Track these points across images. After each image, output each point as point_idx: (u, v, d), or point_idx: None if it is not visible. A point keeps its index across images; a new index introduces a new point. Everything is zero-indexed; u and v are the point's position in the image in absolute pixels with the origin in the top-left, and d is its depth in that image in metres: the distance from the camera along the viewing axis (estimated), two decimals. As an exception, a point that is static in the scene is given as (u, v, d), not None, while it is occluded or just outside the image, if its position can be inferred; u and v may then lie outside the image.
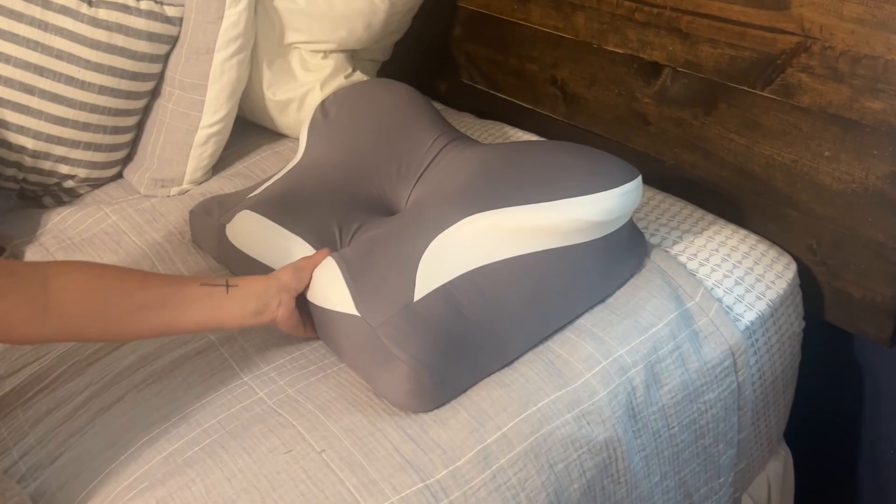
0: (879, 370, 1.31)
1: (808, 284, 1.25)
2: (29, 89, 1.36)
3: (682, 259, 1.19)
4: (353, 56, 1.59)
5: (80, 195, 1.49)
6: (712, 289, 1.16)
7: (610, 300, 1.11)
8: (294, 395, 1.02)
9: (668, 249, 1.21)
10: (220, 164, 1.51)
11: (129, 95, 1.43)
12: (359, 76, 1.55)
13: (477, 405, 0.98)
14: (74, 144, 1.42)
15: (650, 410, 1.06)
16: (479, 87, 1.67)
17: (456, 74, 1.72)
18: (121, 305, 0.91)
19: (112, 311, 0.91)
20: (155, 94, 1.49)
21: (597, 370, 1.03)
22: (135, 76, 1.42)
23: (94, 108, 1.40)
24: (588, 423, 0.99)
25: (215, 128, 1.45)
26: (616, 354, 1.04)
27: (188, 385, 1.05)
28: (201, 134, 1.45)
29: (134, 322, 0.93)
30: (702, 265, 1.19)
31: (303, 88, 1.51)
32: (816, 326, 1.28)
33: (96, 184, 1.50)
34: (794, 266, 1.22)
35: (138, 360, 1.10)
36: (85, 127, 1.41)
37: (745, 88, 1.21)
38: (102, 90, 1.40)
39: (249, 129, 1.60)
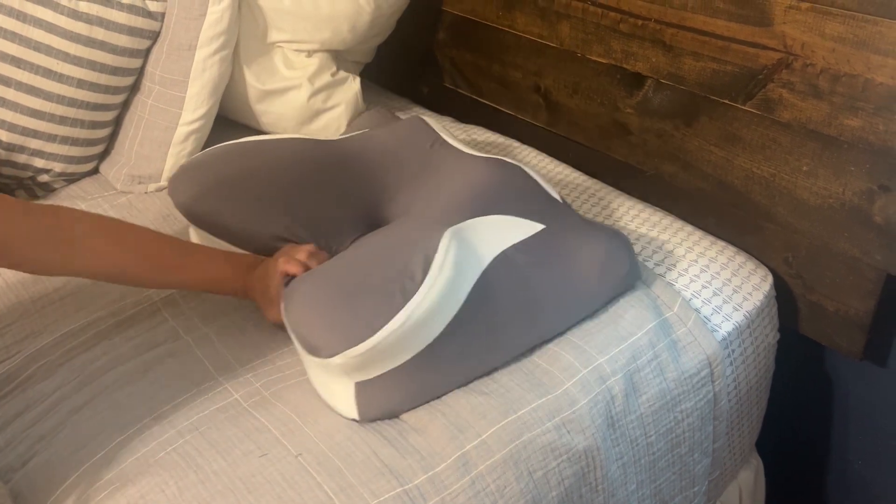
0: (850, 383, 1.33)
1: (783, 297, 1.26)
2: (5, 81, 1.34)
3: (661, 269, 1.20)
4: (337, 57, 1.58)
5: (54, 189, 1.46)
6: (690, 299, 1.17)
7: (590, 309, 1.12)
8: (269, 397, 1.01)
9: (646, 260, 1.22)
10: (198, 161, 1.49)
11: (107, 90, 1.41)
12: (343, 74, 1.54)
13: (456, 412, 0.98)
14: (50, 138, 1.40)
15: (628, 419, 1.06)
16: (461, 91, 1.68)
17: (439, 78, 1.72)
18: (139, 269, 1.01)
19: (129, 273, 1.01)
20: (134, 89, 1.47)
21: (577, 379, 1.03)
22: (114, 71, 1.40)
23: (71, 102, 1.38)
24: (568, 432, 1.00)
25: (195, 125, 1.44)
26: (596, 363, 1.05)
27: (161, 386, 1.03)
28: (181, 131, 1.43)
29: (146, 283, 1.05)
30: (680, 276, 1.20)
31: (288, 82, 1.50)
32: (790, 338, 1.29)
33: (72, 178, 1.47)
34: (770, 279, 1.23)
35: (110, 361, 1.08)
36: (62, 121, 1.39)
37: (727, 102, 1.23)
38: (81, 84, 1.38)
39: (230, 127, 1.58)
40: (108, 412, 1.01)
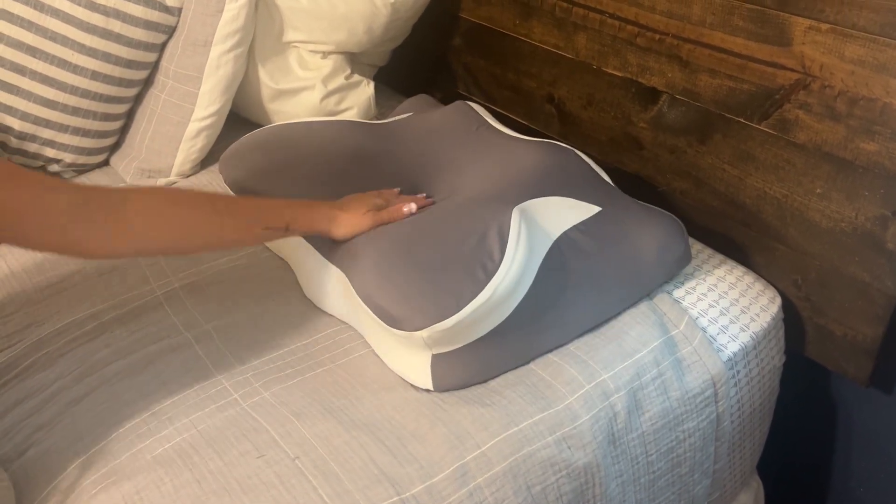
0: (855, 409, 1.32)
1: (791, 319, 1.25)
2: (19, 69, 1.34)
3: (669, 286, 1.19)
4: (352, 59, 1.58)
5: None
6: (697, 318, 1.16)
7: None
8: (269, 398, 1.00)
9: (655, 276, 1.21)
10: (209, 158, 1.49)
11: (121, 83, 1.41)
12: (357, 77, 1.54)
13: (457, 422, 0.97)
14: (62, 128, 1.40)
15: (630, 437, 1.05)
16: (475, 99, 1.67)
17: (453, 84, 1.71)
18: (191, 239, 0.97)
19: (181, 244, 0.98)
20: (148, 83, 1.47)
21: (580, 394, 1.02)
22: (129, 64, 1.40)
23: (84, 93, 1.38)
24: (569, 447, 0.99)
25: (207, 121, 1.43)
26: (599, 379, 1.04)
27: (161, 382, 1.03)
28: (193, 127, 1.43)
29: (200, 249, 1.04)
30: (688, 293, 1.19)
31: (301, 83, 1.50)
32: (796, 360, 1.28)
33: (82, 169, 1.47)
34: (778, 300, 1.22)
35: (111, 353, 1.08)
36: (74, 111, 1.39)
37: (742, 120, 1.22)
38: (95, 76, 1.37)
39: (243, 124, 1.58)
40: (107, 405, 1.00)
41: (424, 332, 0.99)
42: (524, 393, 1.01)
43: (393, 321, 1.01)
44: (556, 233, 1.09)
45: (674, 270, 1.18)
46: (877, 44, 1.04)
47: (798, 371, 1.31)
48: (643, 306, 1.14)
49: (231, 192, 1.30)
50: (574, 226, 1.12)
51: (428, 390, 1.03)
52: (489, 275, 0.99)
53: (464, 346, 1.02)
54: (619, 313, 1.13)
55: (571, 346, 1.08)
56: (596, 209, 1.15)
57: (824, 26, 1.08)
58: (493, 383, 1.04)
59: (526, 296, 1.03)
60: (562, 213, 1.13)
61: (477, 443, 0.95)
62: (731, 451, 1.23)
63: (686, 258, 1.18)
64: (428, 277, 1.02)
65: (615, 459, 1.04)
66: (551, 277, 1.06)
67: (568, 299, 1.08)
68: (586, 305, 1.10)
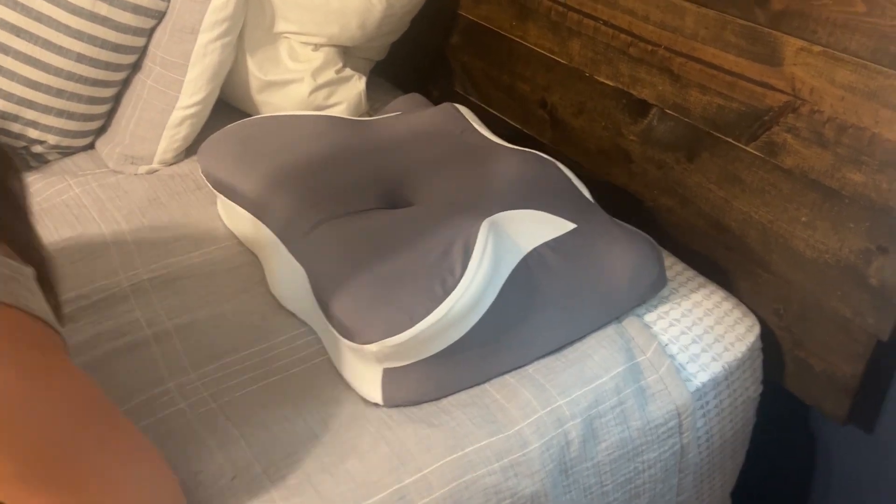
0: (835, 445, 1.27)
1: (770, 348, 1.21)
2: (3, 49, 1.33)
3: (641, 309, 1.15)
4: (346, 53, 1.55)
5: (48, 161, 1.46)
6: (667, 345, 1.12)
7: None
8: (216, 409, 0.98)
9: (627, 297, 1.17)
10: (193, 146, 1.48)
11: (108, 66, 1.39)
12: (349, 72, 1.51)
13: (402, 442, 0.95)
14: (46, 110, 1.39)
15: (583, 466, 1.02)
16: (471, 98, 1.63)
17: (450, 83, 1.68)
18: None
19: None
20: (136, 68, 1.45)
21: (532, 420, 0.99)
22: (116, 48, 1.38)
23: (69, 76, 1.37)
24: (515, 475, 0.96)
25: (192, 110, 1.41)
26: (555, 405, 1.01)
27: (113, 384, 1.02)
28: (177, 115, 1.41)
29: None
30: (660, 318, 1.15)
31: (290, 75, 1.47)
32: (775, 391, 1.24)
33: (66, 152, 1.47)
34: (757, 329, 1.18)
35: (71, 348, 1.07)
36: (59, 93, 1.38)
37: (730, 140, 1.17)
38: (81, 58, 1.36)
39: (232, 113, 1.56)
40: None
41: (374, 347, 0.96)
42: (474, 415, 0.98)
43: (345, 332, 0.99)
44: (526, 248, 1.06)
45: (646, 295, 1.14)
46: (868, 70, 0.99)
47: (778, 401, 1.26)
48: (610, 330, 1.10)
49: (208, 183, 1.29)
50: (545, 242, 1.08)
51: (378, 405, 1.01)
52: (447, 291, 0.97)
53: (417, 361, 0.99)
54: (584, 336, 1.09)
55: (530, 369, 1.04)
56: (571, 226, 1.11)
57: (816, 48, 1.03)
58: (444, 402, 1.01)
59: (487, 313, 1.00)
60: (534, 228, 1.09)
61: (418, 465, 0.92)
62: (699, 482, 1.19)
63: (660, 283, 1.14)
64: (384, 289, 0.99)
65: (566, 489, 1.01)
66: (516, 295, 1.03)
67: (532, 319, 1.04)
68: (551, 327, 1.06)
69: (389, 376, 1.00)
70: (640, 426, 1.06)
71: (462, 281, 0.97)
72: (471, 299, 0.97)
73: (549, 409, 1.00)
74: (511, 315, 1.02)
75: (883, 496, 1.22)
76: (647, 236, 1.15)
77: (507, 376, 1.03)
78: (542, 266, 1.06)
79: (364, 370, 1.02)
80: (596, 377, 1.04)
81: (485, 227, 1.02)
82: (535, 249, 1.06)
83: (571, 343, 1.08)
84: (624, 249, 1.11)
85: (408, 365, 0.99)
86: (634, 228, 1.16)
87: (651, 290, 1.13)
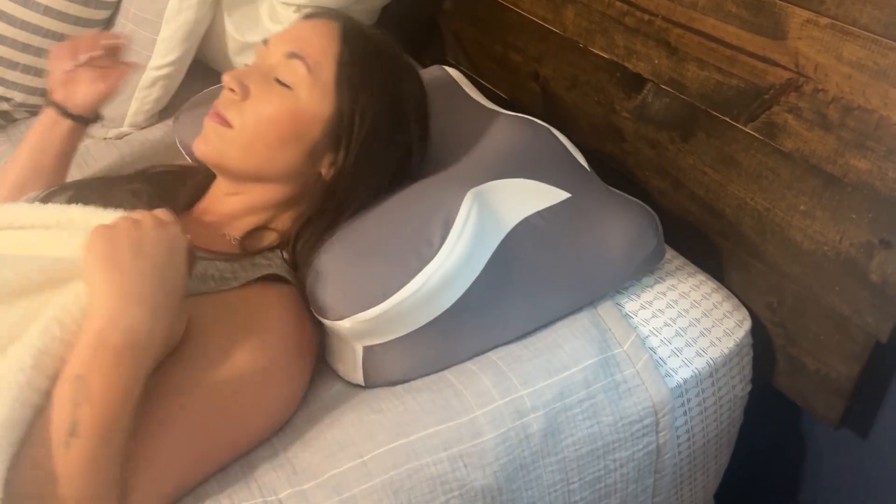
0: (825, 447, 1.19)
1: (762, 344, 1.12)
2: (-34, -1, 1.27)
3: (622, 298, 1.07)
4: (332, 15, 1.47)
5: (15, 120, 1.40)
6: (647, 337, 1.04)
7: (527, 333, 1.00)
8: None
9: (608, 284, 1.09)
10: (167, 110, 1.41)
11: (77, 21, 1.33)
12: (332, 38, 1.43)
13: (345, 428, 0.89)
14: (11, 65, 1.32)
15: (547, 461, 0.95)
16: (462, 68, 1.55)
17: (442, 52, 1.60)
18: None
19: None
20: (109, 24, 1.39)
21: (488, 409, 0.92)
22: (86, 2, 1.32)
23: (36, 30, 1.30)
24: (465, 466, 0.89)
25: (164, 71, 1.35)
26: (515, 395, 0.94)
27: None
28: (148, 75, 1.35)
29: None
30: (642, 308, 1.07)
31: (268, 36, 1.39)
32: (765, 388, 1.16)
33: (34, 111, 1.40)
34: (747, 324, 1.09)
35: None
36: (24, 48, 1.32)
37: (728, 120, 1.08)
38: (47, 11, 1.30)
39: (210, 75, 1.48)
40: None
41: (346, 322, 0.90)
42: (425, 400, 0.92)
43: (318, 309, 0.93)
44: (516, 219, 0.98)
45: (642, 268, 1.07)
46: (878, 46, 0.90)
47: (768, 400, 1.18)
48: (586, 320, 1.02)
49: (186, 157, 1.22)
50: (537, 212, 1.00)
51: (359, 385, 0.96)
52: (423, 262, 0.90)
53: (398, 338, 0.93)
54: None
55: (493, 355, 0.97)
56: (564, 195, 1.04)
57: (823, 20, 0.94)
58: (397, 387, 0.94)
59: (475, 285, 0.93)
60: (525, 198, 1.02)
61: (359, 451, 0.87)
62: (679, 483, 1.11)
63: (658, 255, 1.07)
64: (358, 264, 0.93)
65: (526, 484, 0.94)
66: (505, 268, 0.96)
67: (522, 293, 0.98)
68: (543, 301, 1.00)
69: (369, 354, 0.94)
70: (612, 422, 0.98)
71: (440, 252, 0.90)
72: (449, 271, 0.90)
73: (507, 399, 0.93)
74: (501, 287, 0.96)
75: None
76: (645, 206, 1.07)
77: (468, 362, 0.96)
78: (533, 236, 0.99)
79: (344, 350, 0.96)
80: (564, 368, 0.97)
81: (469, 196, 0.95)
82: (525, 219, 0.99)
83: (543, 330, 1.01)
84: (620, 219, 1.04)
85: (388, 342, 0.93)
86: (631, 197, 1.08)
87: (647, 264, 1.06)
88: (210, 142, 0.96)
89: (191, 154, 1.21)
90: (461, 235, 0.91)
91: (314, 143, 0.97)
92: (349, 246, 0.95)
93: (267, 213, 1.01)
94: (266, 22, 1.40)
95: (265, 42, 1.00)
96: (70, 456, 0.69)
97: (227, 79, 0.96)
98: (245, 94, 0.95)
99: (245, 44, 1.39)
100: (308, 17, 1.04)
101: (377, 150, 0.98)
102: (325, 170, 0.98)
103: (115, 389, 0.72)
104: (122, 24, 1.36)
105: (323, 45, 0.97)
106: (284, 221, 1.00)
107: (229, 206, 1.01)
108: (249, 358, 0.83)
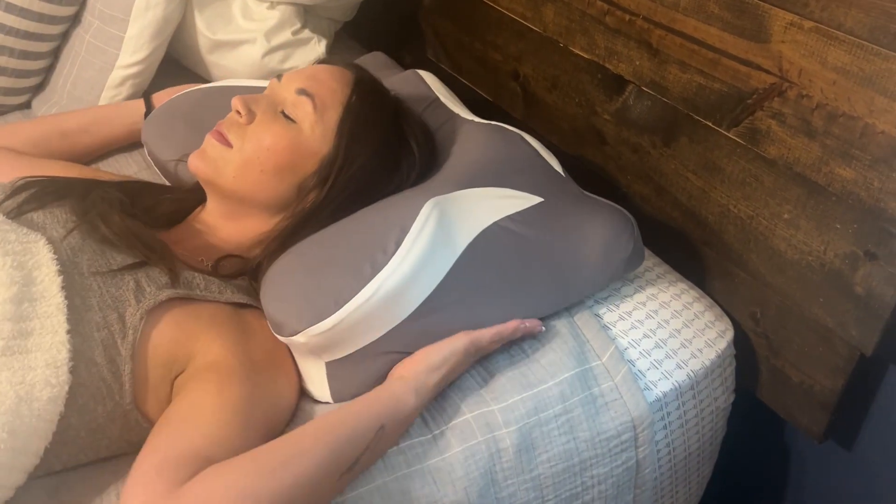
0: (810, 460, 1.17)
1: (745, 355, 1.10)
2: (-75, -5, 1.23)
3: (601, 309, 1.04)
4: (308, 12, 1.43)
5: (-21, 119, 1.36)
6: (626, 349, 1.01)
7: (502, 346, 0.97)
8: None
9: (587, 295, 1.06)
10: (138, 109, 1.36)
11: (41, 18, 1.28)
12: (307, 34, 1.39)
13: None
14: (-27, 63, 1.28)
15: (520, 479, 0.92)
16: (442, 66, 1.51)
17: (422, 48, 1.56)
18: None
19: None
20: (76, 21, 1.34)
21: (457, 422, 0.89)
22: (51, -2, 1.27)
23: (-2, 27, 1.26)
24: (434, 482, 0.86)
25: (133, 69, 1.30)
26: (485, 409, 0.91)
27: None
28: (117, 74, 1.30)
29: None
30: (621, 318, 1.04)
31: (242, 34, 1.35)
32: (748, 400, 1.13)
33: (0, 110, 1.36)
34: (730, 335, 1.06)
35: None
36: (-13, 45, 1.27)
37: (710, 125, 1.05)
38: (10, 8, 1.25)
39: (183, 74, 1.44)
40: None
41: (301, 337, 0.87)
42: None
43: (275, 325, 0.90)
44: (484, 223, 0.95)
45: (622, 271, 1.03)
46: (863, 51, 0.86)
47: (752, 411, 1.15)
48: (564, 331, 0.99)
49: (155, 169, 1.19)
50: (508, 216, 0.97)
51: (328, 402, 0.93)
52: (377, 269, 0.87)
53: (358, 350, 0.90)
54: (551, 319, 0.99)
55: (468, 370, 0.94)
56: (537, 200, 1.00)
57: (808, 24, 0.91)
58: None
59: (437, 290, 0.90)
60: (494, 203, 0.98)
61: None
62: (660, 497, 1.08)
63: (637, 258, 1.03)
64: (310, 276, 0.90)
65: (498, 501, 0.91)
66: (474, 271, 0.93)
67: (495, 295, 0.95)
68: (518, 303, 0.96)
69: (333, 370, 0.91)
70: (589, 437, 0.95)
71: (394, 258, 0.87)
72: (404, 277, 0.87)
73: (476, 413, 0.90)
74: (467, 291, 0.92)
75: (862, 518, 1.12)
76: (621, 208, 1.03)
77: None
78: (504, 240, 0.95)
79: (309, 369, 0.93)
80: (539, 382, 0.94)
81: (429, 204, 0.92)
82: (495, 223, 0.96)
83: (519, 345, 0.98)
84: (595, 222, 1.00)
85: (350, 355, 0.90)
86: (607, 201, 1.05)
87: (627, 266, 1.02)
88: (207, 158, 0.98)
89: (152, 152, 1.17)
90: (417, 240, 0.88)
91: (306, 177, 0.99)
92: (303, 260, 0.93)
93: (244, 245, 1.01)
94: (239, 19, 1.36)
95: (279, 77, 1.03)
96: (335, 487, 0.80)
97: (236, 101, 0.99)
98: (250, 118, 0.98)
99: (216, 42, 1.35)
100: (325, 61, 1.08)
101: (359, 193, 1.00)
102: (307, 205, 0.99)
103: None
104: (89, 21, 1.31)
105: (333, 89, 1.00)
106: (258, 252, 0.98)
107: (210, 232, 1.02)
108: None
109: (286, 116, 0.98)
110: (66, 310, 0.82)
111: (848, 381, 1.00)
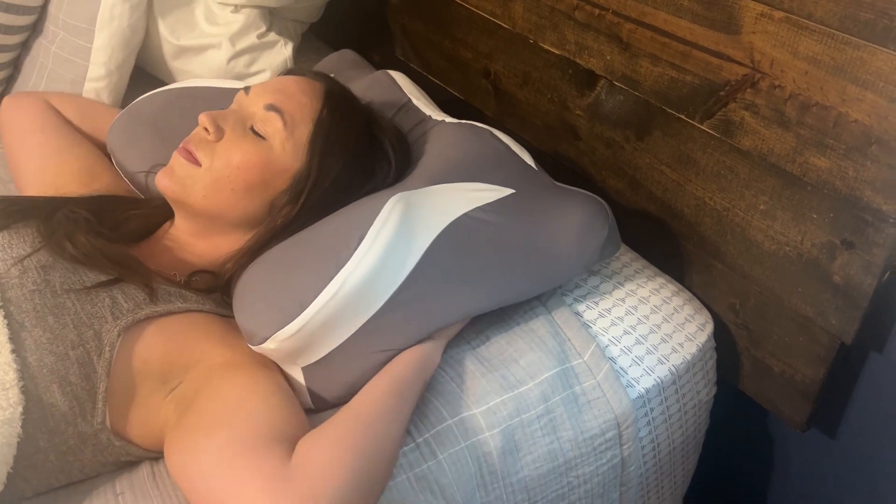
0: (793, 449, 1.17)
1: (725, 347, 1.10)
2: None
3: (581, 306, 1.04)
4: (273, 14, 1.41)
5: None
6: (607, 346, 1.00)
7: (481, 347, 0.96)
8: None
9: (565, 293, 1.05)
10: (108, 120, 1.34)
11: (-1, 29, 1.25)
12: (273, 37, 1.37)
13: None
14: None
15: (506, 482, 0.91)
16: (411, 65, 1.50)
17: (391, 47, 1.54)
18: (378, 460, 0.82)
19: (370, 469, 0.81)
20: (36, 31, 1.31)
21: (440, 428, 0.88)
22: (7, 7, 1.24)
23: (-48, 38, 1.23)
24: (421, 490, 0.85)
25: (105, 81, 1.28)
26: (467, 413, 0.90)
27: None
28: (89, 87, 1.28)
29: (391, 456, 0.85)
30: (601, 316, 1.03)
31: (206, 39, 1.33)
32: (731, 390, 1.13)
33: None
34: (710, 327, 1.06)
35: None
36: (-55, 58, 1.24)
37: (683, 118, 1.04)
38: (-34, 19, 1.22)
39: (150, 81, 1.42)
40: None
41: (271, 344, 0.86)
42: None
43: (248, 335, 0.88)
44: (454, 214, 0.94)
45: (595, 257, 1.00)
46: (835, 41, 0.86)
47: (733, 402, 1.15)
48: (543, 330, 0.98)
49: (126, 179, 1.17)
50: (478, 207, 0.96)
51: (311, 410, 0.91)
52: (340, 265, 0.85)
53: (332, 351, 0.88)
54: (530, 320, 0.98)
55: (447, 373, 0.93)
56: (508, 191, 0.99)
57: (778, 14, 0.90)
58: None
59: (408, 284, 0.88)
60: (463, 196, 0.97)
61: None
62: (646, 493, 1.08)
63: (612, 245, 1.01)
64: (274, 281, 0.89)
65: (487, 507, 0.90)
66: (445, 262, 0.91)
67: (470, 286, 0.93)
68: (487, 292, 0.95)
69: (311, 375, 0.90)
70: (573, 437, 0.95)
71: (357, 252, 0.86)
72: (369, 269, 0.85)
73: (458, 417, 0.89)
74: (440, 281, 0.91)
75: (846, 504, 1.12)
76: (593, 195, 1.02)
77: (420, 384, 0.92)
78: (475, 231, 0.94)
79: (289, 378, 0.92)
80: (519, 383, 0.93)
81: (393, 198, 0.91)
82: (465, 214, 0.94)
83: (497, 346, 0.97)
84: (568, 209, 0.98)
85: (324, 357, 0.89)
86: (582, 190, 1.04)
87: (603, 251, 1.00)
88: (175, 177, 0.96)
89: (119, 162, 1.15)
90: (380, 232, 0.87)
91: (278, 193, 0.97)
92: (269, 267, 0.92)
93: (217, 261, 0.99)
94: (203, 24, 1.33)
95: (246, 90, 1.00)
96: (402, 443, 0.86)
97: (203, 118, 0.96)
98: (219, 135, 0.96)
99: (181, 48, 1.33)
100: (293, 72, 1.05)
101: (334, 204, 0.98)
102: (279, 220, 0.98)
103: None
104: (53, 32, 1.28)
105: (303, 103, 0.98)
106: (227, 268, 0.97)
107: (181, 249, 1.00)
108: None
109: (255, 133, 0.96)
110: (6, 329, 0.80)
111: (829, 370, 1.00)
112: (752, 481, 1.24)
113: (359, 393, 0.86)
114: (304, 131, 0.97)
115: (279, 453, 0.74)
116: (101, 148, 1.20)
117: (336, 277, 0.84)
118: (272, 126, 0.96)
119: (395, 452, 0.83)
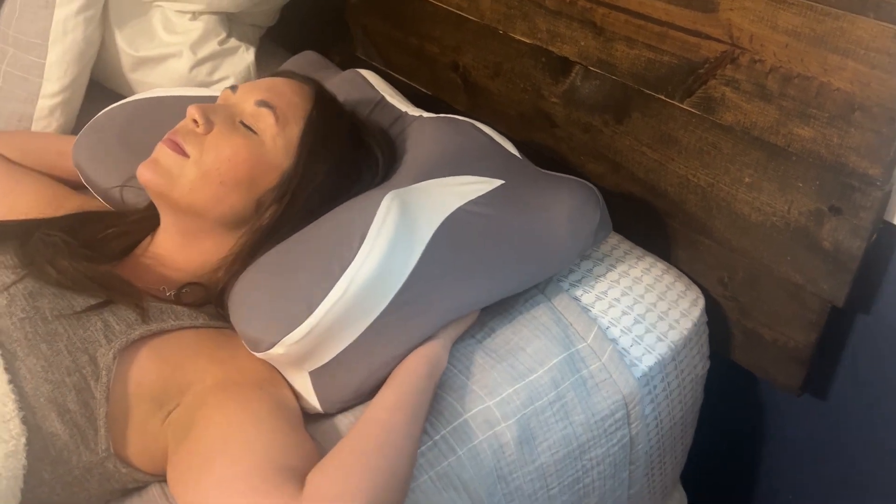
0: (787, 416, 1.20)
1: (716, 320, 1.11)
2: None
3: (577, 291, 1.04)
4: (231, 19, 1.38)
5: None
6: (608, 328, 1.01)
7: (487, 340, 0.96)
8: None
9: (561, 279, 1.05)
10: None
11: (-54, 49, 1.20)
12: (234, 43, 1.34)
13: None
14: None
15: (525, 470, 0.91)
16: (374, 64, 1.49)
17: (350, 49, 1.53)
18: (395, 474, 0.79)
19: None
20: (-16, 49, 1.26)
21: (456, 424, 0.88)
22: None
23: None
24: (443, 488, 0.84)
25: (60, 97, 1.23)
26: (481, 406, 0.89)
27: None
28: (43, 104, 1.23)
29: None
30: (598, 299, 1.04)
31: (166, 49, 1.29)
32: (722, 363, 1.15)
33: None
34: (701, 302, 1.08)
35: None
36: None
37: (663, 98, 1.06)
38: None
39: (108, 98, 1.37)
40: None
41: (279, 349, 0.84)
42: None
43: (252, 343, 0.86)
44: (448, 210, 0.94)
45: (588, 242, 1.01)
46: (814, 12, 0.88)
47: (725, 374, 1.18)
48: (545, 317, 0.99)
49: (93, 193, 1.13)
50: (471, 200, 0.96)
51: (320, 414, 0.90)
52: (344, 266, 0.84)
53: (340, 353, 0.87)
54: (532, 309, 0.99)
55: (455, 368, 0.92)
56: (498, 182, 1.00)
57: (754, -10, 0.92)
58: (356, 411, 0.89)
59: (410, 282, 0.88)
60: (456, 190, 0.97)
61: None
62: (650, 470, 1.09)
63: (604, 229, 1.03)
64: (276, 285, 0.87)
65: (508, 497, 0.90)
66: (444, 258, 0.91)
67: (470, 278, 0.93)
68: (488, 284, 0.95)
69: (317, 379, 0.88)
70: (584, 420, 0.95)
71: (360, 251, 0.85)
72: (374, 268, 0.85)
73: (473, 411, 0.89)
74: (441, 277, 0.90)
75: (835, 465, 1.16)
76: (582, 180, 1.03)
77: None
78: (471, 224, 0.94)
79: (294, 381, 0.90)
80: (529, 371, 0.93)
81: (388, 197, 0.90)
82: (459, 208, 0.94)
83: (503, 336, 0.97)
84: (559, 195, 1.00)
85: (332, 360, 0.87)
86: (571, 177, 1.04)
87: (596, 236, 1.01)
88: (159, 168, 0.92)
89: (89, 179, 1.11)
90: (381, 230, 0.86)
91: (265, 191, 0.95)
92: (267, 272, 0.90)
93: (204, 271, 0.96)
94: (161, 34, 1.30)
95: (233, 89, 0.99)
96: (417, 453, 0.83)
97: (192, 110, 0.93)
98: (208, 127, 0.93)
99: (140, 59, 1.29)
100: (281, 74, 1.03)
101: (319, 207, 0.97)
102: (266, 221, 0.96)
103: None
104: (3, 50, 1.23)
105: (294, 102, 0.97)
106: (218, 277, 0.94)
107: (166, 262, 0.97)
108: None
109: (246, 127, 0.94)
110: (1, 360, 0.77)
111: (821, 335, 1.03)
112: (747, 448, 1.27)
113: (365, 412, 0.83)
114: (295, 130, 0.96)
115: (288, 490, 0.72)
116: (61, 177, 1.15)
117: (343, 277, 0.83)
118: (264, 121, 0.94)
119: (409, 469, 0.80)
